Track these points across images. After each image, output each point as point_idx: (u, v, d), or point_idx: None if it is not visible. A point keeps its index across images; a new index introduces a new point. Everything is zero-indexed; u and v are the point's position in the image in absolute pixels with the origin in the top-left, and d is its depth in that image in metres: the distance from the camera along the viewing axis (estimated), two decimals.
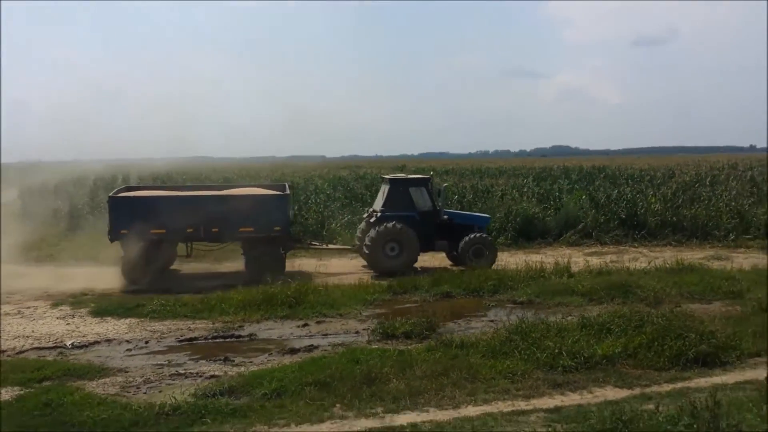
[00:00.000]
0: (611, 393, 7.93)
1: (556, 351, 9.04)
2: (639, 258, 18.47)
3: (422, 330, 10.88)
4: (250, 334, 11.25)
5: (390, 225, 16.53)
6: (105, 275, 15.83)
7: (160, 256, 15.99)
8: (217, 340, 11.02)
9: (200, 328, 11.69)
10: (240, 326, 11.70)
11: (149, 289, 14.59)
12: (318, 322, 11.97)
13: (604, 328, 10.02)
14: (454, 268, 17.38)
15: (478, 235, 17.07)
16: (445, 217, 17.42)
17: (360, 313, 12.59)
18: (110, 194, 16.37)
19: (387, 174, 19.05)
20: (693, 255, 18.89)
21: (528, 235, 21.60)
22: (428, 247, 17.23)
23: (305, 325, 11.81)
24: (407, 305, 13.42)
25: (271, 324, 11.91)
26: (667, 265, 15.98)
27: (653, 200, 23.12)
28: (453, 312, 12.77)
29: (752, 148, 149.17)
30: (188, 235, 16.23)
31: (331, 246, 19.14)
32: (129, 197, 16.40)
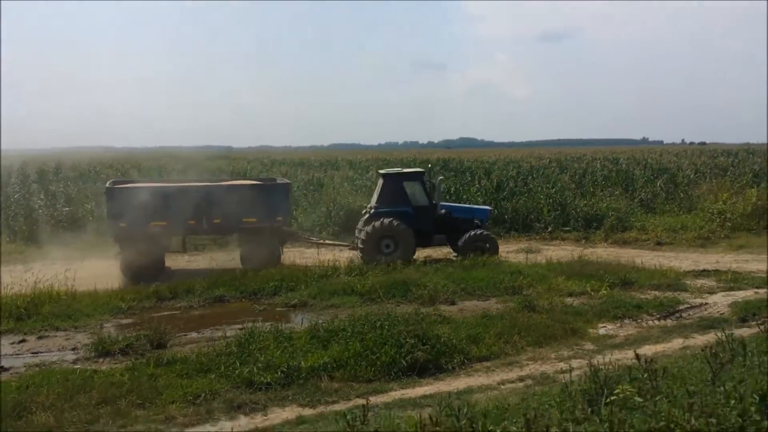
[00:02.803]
0: (287, 414, 7.05)
1: (259, 365, 8.09)
2: (451, 252, 18.06)
3: (147, 344, 9.66)
4: None
5: (385, 221, 15.99)
6: None
7: (160, 250, 15.24)
8: None
9: None
10: None
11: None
12: (40, 338, 10.49)
13: (334, 335, 9.20)
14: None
15: (476, 232, 16.46)
16: (443, 211, 16.87)
17: (102, 325, 11.16)
18: (107, 185, 15.33)
19: (382, 169, 18.58)
20: (507, 248, 18.75)
21: (351, 229, 20.76)
22: (426, 242, 16.75)
23: (22, 341, 10.31)
24: (167, 313, 12.16)
25: None
26: (465, 261, 15.54)
27: (476, 193, 22.98)
28: (207, 320, 11.63)
29: (644, 140, 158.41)
30: (189, 227, 15.36)
31: (328, 241, 18.49)
32: (131, 188, 15.31)
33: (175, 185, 16.24)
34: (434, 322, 10.06)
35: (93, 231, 20.08)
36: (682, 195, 24.96)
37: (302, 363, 8.09)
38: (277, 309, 12.35)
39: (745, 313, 11.26)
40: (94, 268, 16.17)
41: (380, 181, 17.27)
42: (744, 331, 9.83)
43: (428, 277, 13.70)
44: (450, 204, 18.45)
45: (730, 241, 19.93)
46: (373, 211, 16.64)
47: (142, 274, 14.36)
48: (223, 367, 8.24)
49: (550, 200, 22.51)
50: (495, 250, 16.72)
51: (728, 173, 28.63)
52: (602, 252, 18.42)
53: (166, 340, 9.91)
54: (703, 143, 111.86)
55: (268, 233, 15.59)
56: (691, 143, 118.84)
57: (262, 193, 15.84)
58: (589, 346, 9.65)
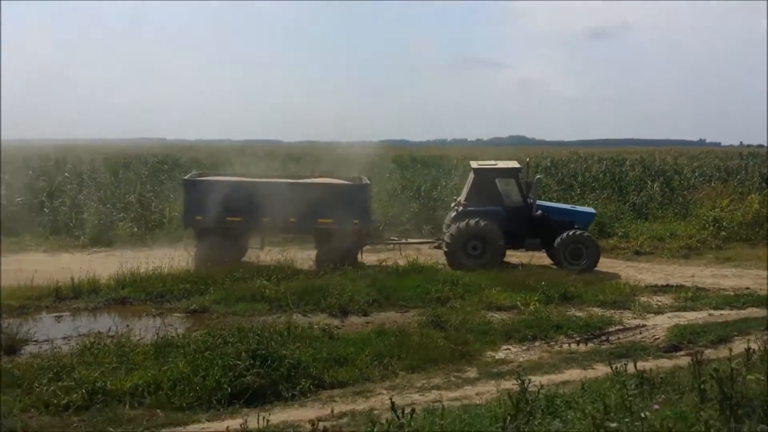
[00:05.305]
0: None
1: (71, 383, 7.23)
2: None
3: None
4: None
5: (473, 222, 14.77)
6: None
7: (236, 245, 15.09)
8: None
9: None
10: None
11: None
12: None
13: (179, 350, 8.28)
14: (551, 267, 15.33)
15: (574, 232, 14.92)
16: (539, 212, 15.32)
17: None
18: (186, 177, 15.64)
19: (474, 162, 16.52)
20: None
21: None
22: (517, 245, 15.38)
23: None
24: (59, 314, 11.48)
25: None
26: (399, 268, 14.38)
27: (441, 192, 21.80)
28: (87, 324, 10.85)
29: (701, 141, 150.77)
30: (264, 224, 14.87)
31: (411, 240, 17.27)
32: (208, 180, 15.45)
33: (252, 180, 15.66)
34: (316, 338, 9.11)
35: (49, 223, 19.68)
36: (680, 200, 23.28)
37: (108, 384, 7.16)
38: (174, 315, 11.53)
39: (679, 340, 9.94)
40: (32, 262, 15.61)
41: (471, 176, 15.85)
42: (662, 363, 8.60)
43: (352, 283, 12.68)
44: (548, 204, 16.74)
45: (720, 252, 18.25)
46: (461, 208, 15.40)
47: (216, 265, 13.81)
48: (33, 383, 7.40)
49: None
50: (595, 256, 15.02)
51: (737, 177, 26.65)
52: None
53: (20, 345, 9.19)
54: (762, 146, 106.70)
55: (344, 235, 14.75)
56: (749, 145, 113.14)
57: (341, 194, 15.05)
58: (471, 373, 8.52)
